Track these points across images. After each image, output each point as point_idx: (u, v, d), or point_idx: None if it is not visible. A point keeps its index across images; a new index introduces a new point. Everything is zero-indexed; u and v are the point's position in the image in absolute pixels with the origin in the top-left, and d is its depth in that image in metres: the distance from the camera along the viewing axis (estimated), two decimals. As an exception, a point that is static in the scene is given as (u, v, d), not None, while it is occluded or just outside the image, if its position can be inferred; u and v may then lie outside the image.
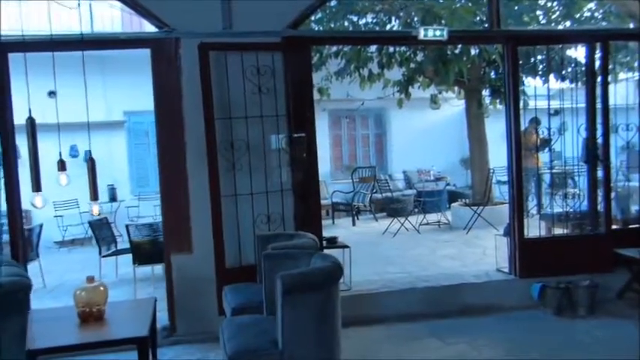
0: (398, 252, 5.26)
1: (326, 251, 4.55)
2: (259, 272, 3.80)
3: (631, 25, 5.66)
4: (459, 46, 7.37)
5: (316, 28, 7.51)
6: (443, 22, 6.69)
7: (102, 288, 3.20)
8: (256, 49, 4.34)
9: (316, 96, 7.91)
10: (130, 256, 5.58)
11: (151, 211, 8.38)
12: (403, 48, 7.82)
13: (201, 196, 4.25)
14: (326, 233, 5.09)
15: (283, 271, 2.71)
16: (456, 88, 9.00)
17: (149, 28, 4.56)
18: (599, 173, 5.02)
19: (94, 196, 3.58)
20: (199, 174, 4.24)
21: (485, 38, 5.51)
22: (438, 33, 4.75)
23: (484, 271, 5.12)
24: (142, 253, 5.44)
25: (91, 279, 3.21)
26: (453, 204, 9.09)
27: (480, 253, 6.32)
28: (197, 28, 4.22)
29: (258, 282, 3.83)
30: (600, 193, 5.01)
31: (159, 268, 5.50)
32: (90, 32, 6.58)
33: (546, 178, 8.51)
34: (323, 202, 7.86)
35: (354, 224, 9.22)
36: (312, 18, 7.06)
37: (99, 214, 3.83)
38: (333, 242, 4.73)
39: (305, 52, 4.58)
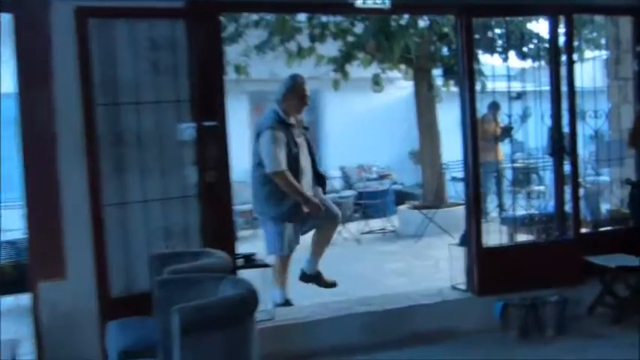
0: (333, 268, 5.23)
1: (243, 272, 4.49)
2: (154, 303, 3.63)
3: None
4: (405, 16, 7.44)
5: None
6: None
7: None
8: (152, 16, 4.20)
9: (232, 75, 7.79)
10: (-15, 283, 5.25)
11: (17, 224, 7.91)
12: (338, 17, 7.81)
13: (77, 204, 4.07)
14: (246, 247, 4.99)
15: (183, 303, 2.57)
16: (402, 67, 9.09)
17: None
18: (566, 168, 5.18)
19: None
20: (75, 176, 4.06)
21: (435, 8, 5.59)
22: (378, 0, 4.73)
23: (437, 290, 5.17)
24: (2, 280, 5.14)
25: None
26: (400, 207, 9.20)
27: (433, 266, 6.41)
28: (73, -13, 4.02)
29: (154, 316, 3.66)
30: (568, 191, 5.18)
31: (27, 299, 5.19)
32: None
33: (507, 173, 8.82)
34: (242, 207, 7.73)
35: (281, 234, 9.13)
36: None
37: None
38: (250, 261, 4.64)
39: (214, 20, 4.47)
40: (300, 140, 4.95)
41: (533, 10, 5.71)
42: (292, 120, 4.92)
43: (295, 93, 4.92)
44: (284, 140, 4.77)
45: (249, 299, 2.70)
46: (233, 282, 2.94)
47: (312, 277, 5.08)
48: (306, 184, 4.91)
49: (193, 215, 4.34)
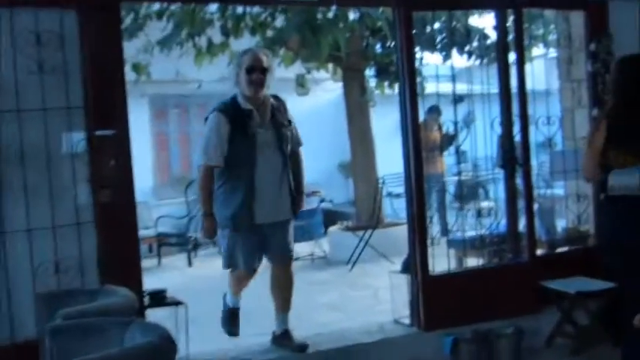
0: (256, 303, 5.15)
1: (150, 313, 4.38)
2: (43, 355, 3.48)
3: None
4: (333, 8, 7.52)
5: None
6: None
7: None
8: (35, 4, 4.09)
9: (130, 75, 7.63)
10: None
11: None
12: (256, 8, 7.81)
13: None
14: (150, 282, 4.86)
15: (81, 356, 2.48)
16: (330, 66, 9.17)
17: None
18: (518, 181, 5.35)
19: None
20: None
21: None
22: (307, -11, 4.77)
23: (378, 325, 5.20)
24: None
25: None
26: (330, 228, 9.24)
27: (371, 297, 6.46)
28: None
29: (44, 369, 3.52)
30: (521, 208, 5.35)
31: None
32: None
33: (451, 187, 9.02)
34: (143, 233, 7.56)
35: (190, 264, 9.05)
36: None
37: None
38: (160, 299, 4.54)
39: (112, 12, 4.40)
40: (265, 134, 4.55)
41: (479, 4, 5.90)
42: (250, 105, 4.53)
43: (242, 68, 4.53)
44: (227, 128, 4.48)
45: (163, 348, 2.63)
46: (142, 327, 2.87)
47: (279, 337, 4.78)
48: (269, 196, 4.53)
49: (89, 245, 4.23)
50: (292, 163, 4.74)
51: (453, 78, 5.46)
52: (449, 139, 6.49)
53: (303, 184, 4.87)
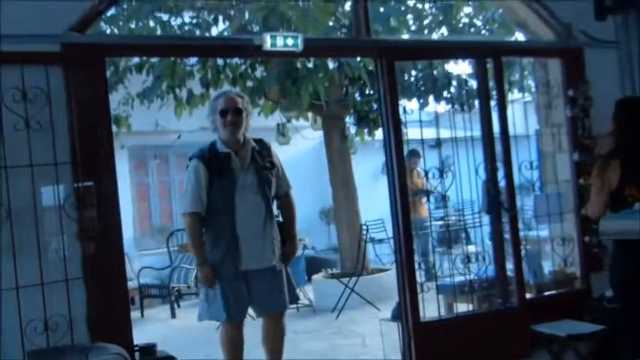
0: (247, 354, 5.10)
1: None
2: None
3: (520, 37, 6.30)
4: (312, 58, 7.60)
5: (108, 31, 7.28)
6: (292, 27, 6.86)
7: None
8: (21, 61, 4.08)
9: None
10: None
11: None
12: (236, 60, 7.87)
13: None
14: (135, 334, 4.73)
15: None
16: (309, 115, 9.23)
17: None
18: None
19: None
20: None
21: (353, 50, 5.75)
22: (290, 42, 4.83)
23: (369, 374, 5.17)
24: None
25: None
26: (314, 276, 9.19)
27: (359, 345, 6.41)
28: None
29: None
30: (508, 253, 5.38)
31: None
32: None
33: (434, 233, 9.01)
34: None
35: (173, 316, 8.91)
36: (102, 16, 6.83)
37: None
38: (150, 353, 4.44)
39: (98, 66, 4.43)
40: (245, 177, 4.44)
41: (459, 53, 6.01)
42: (228, 149, 4.46)
43: (217, 112, 4.49)
44: (206, 175, 4.41)
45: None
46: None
47: None
48: (252, 241, 4.40)
49: (78, 302, 4.16)
50: (283, 206, 4.68)
51: (437, 124, 5.50)
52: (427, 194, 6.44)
53: (296, 228, 4.70)
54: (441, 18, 8.65)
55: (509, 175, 5.36)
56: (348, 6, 7.92)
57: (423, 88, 8.46)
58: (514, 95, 8.85)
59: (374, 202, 10.43)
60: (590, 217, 4.09)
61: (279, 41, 4.81)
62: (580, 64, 5.68)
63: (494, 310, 5.35)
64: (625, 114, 4.04)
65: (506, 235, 5.45)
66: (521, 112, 6.45)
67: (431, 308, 5.27)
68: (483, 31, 8.67)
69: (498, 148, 5.43)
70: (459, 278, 5.42)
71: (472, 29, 8.83)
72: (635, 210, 3.73)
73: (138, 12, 7.39)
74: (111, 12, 6.90)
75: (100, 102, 4.42)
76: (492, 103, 5.51)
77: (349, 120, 9.21)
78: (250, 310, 4.63)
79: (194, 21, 7.85)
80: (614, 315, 4.16)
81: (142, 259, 10.12)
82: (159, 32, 7.52)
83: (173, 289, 9.15)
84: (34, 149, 4.09)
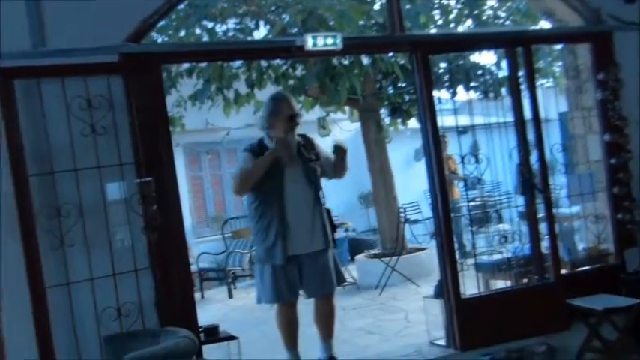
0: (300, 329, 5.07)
1: (206, 348, 4.28)
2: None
3: (548, 25, 6.09)
4: (348, 55, 7.50)
5: (159, 40, 7.28)
6: (330, 26, 6.77)
7: None
8: (84, 72, 4.09)
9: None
10: None
11: None
12: (277, 61, 7.81)
13: (14, 288, 3.84)
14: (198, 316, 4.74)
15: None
16: (347, 108, 9.15)
17: None
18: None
19: None
20: (10, 256, 3.86)
21: (389, 46, 5.62)
22: (330, 41, 4.73)
23: (415, 346, 5.09)
24: None
25: None
26: (357, 256, 9.13)
27: (403, 319, 6.32)
28: (-7, 46, 3.84)
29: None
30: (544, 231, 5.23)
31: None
32: None
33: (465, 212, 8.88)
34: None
35: (230, 296, 8.91)
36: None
37: None
38: (214, 334, 4.43)
39: (154, 72, 4.41)
40: (294, 170, 4.50)
41: (490, 44, 5.84)
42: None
43: (280, 115, 4.52)
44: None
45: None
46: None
47: None
48: (302, 228, 4.44)
49: (147, 289, 4.18)
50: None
51: (472, 113, 5.40)
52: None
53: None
54: (466, 12, 8.48)
55: (542, 158, 5.20)
56: (377, 6, 7.86)
57: (452, 79, 8.32)
58: (542, 81, 8.71)
59: (408, 186, 10.34)
60: None
61: (320, 41, 4.72)
62: (610, 48, 5.41)
63: (532, 285, 5.22)
64: None
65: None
66: (543, 97, 6.27)
67: (468, 285, 5.16)
68: (507, 22, 8.47)
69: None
70: (496, 256, 5.31)
71: (496, 21, 8.64)
72: None
73: (186, 21, 7.37)
74: (161, 23, 6.92)
75: (158, 105, 4.41)
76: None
77: (384, 111, 9.10)
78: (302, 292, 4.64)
79: (237, 27, 7.81)
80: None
81: (199, 246, 10.19)
82: (205, 39, 7.52)
83: (229, 272, 9.19)
84: (100, 152, 4.10)
